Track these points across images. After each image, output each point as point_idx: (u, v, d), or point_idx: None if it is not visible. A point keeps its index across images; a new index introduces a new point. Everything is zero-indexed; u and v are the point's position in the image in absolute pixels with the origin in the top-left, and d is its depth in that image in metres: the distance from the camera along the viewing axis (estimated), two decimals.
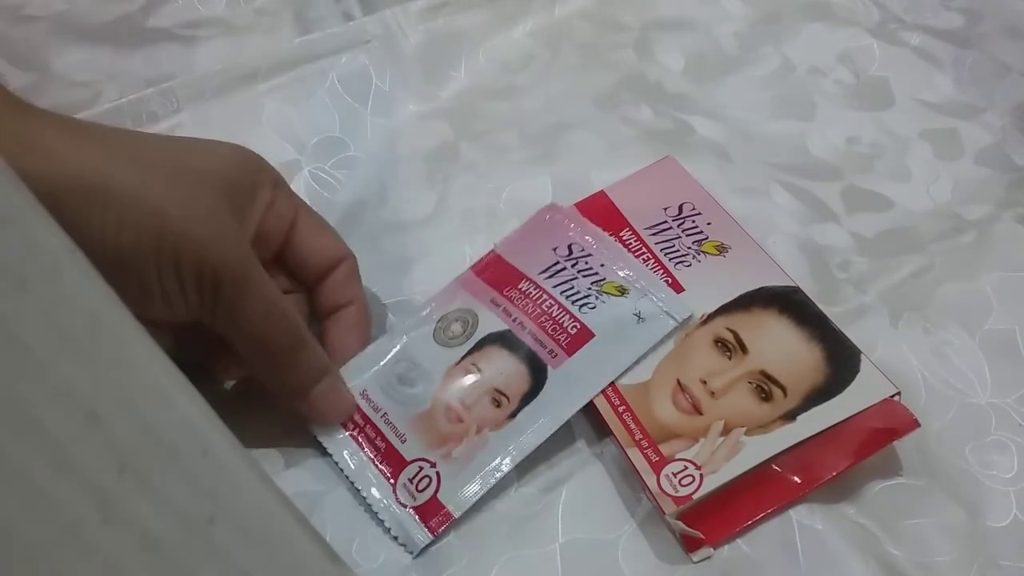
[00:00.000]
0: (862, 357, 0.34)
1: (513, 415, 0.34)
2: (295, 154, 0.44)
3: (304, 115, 0.45)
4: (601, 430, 0.34)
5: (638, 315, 0.35)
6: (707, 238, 0.38)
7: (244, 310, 0.30)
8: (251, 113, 0.45)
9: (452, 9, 0.49)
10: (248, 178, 0.33)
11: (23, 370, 0.15)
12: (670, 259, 0.37)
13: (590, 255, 0.37)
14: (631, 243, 0.38)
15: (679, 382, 0.34)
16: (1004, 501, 0.33)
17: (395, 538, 0.32)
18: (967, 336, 0.37)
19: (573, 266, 0.37)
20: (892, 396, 0.33)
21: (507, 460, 0.33)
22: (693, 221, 0.39)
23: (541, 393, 0.34)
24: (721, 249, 0.38)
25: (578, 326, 0.35)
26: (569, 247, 0.38)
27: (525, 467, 0.34)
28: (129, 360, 0.17)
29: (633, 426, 0.33)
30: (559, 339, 0.35)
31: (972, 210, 0.41)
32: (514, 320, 0.36)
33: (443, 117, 0.45)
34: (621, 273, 0.36)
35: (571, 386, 0.34)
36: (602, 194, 0.40)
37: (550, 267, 0.37)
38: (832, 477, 0.32)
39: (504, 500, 0.33)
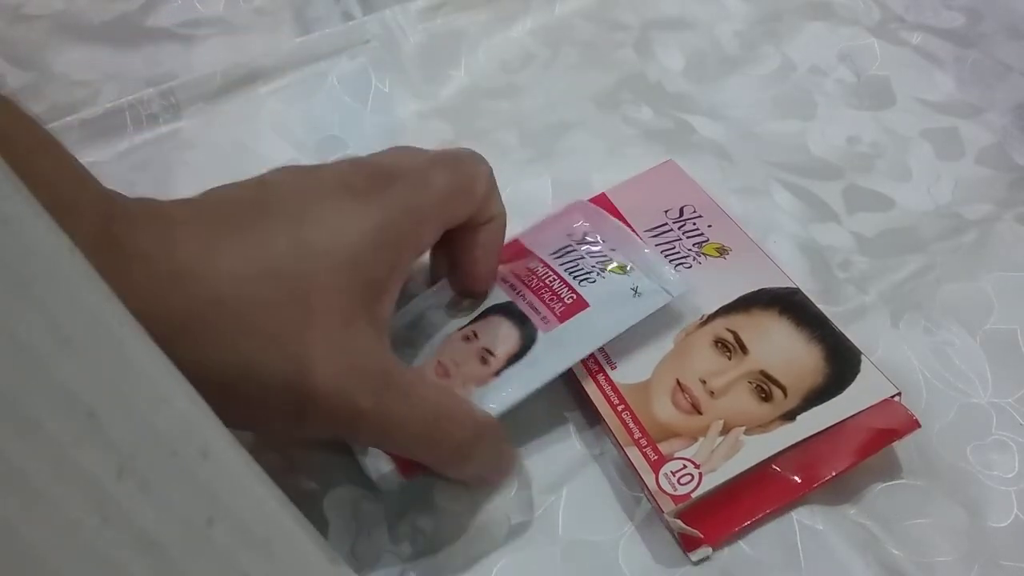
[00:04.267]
0: (862, 357, 0.34)
1: (498, 373, 0.34)
2: (295, 153, 0.43)
3: (304, 115, 0.45)
4: (600, 430, 0.34)
5: (635, 290, 0.35)
6: (708, 240, 0.38)
7: (395, 434, 0.29)
8: (251, 113, 0.45)
9: (452, 8, 0.49)
10: (381, 264, 0.29)
11: (23, 370, 0.14)
12: (670, 261, 0.37)
13: (603, 241, 0.37)
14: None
15: (679, 382, 0.34)
16: (1005, 501, 0.33)
17: (372, 482, 0.32)
18: (968, 336, 0.37)
19: (582, 247, 0.37)
20: (892, 396, 0.33)
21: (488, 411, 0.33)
22: (694, 224, 0.39)
23: (528, 354, 0.34)
24: (721, 251, 0.38)
25: (574, 297, 0.35)
26: (584, 235, 0.38)
27: (525, 467, 0.34)
28: (129, 360, 0.17)
29: (632, 425, 0.33)
30: (553, 307, 0.35)
31: (973, 210, 0.41)
32: (517, 292, 0.36)
33: (443, 117, 0.45)
34: (632, 258, 0.36)
35: (558, 350, 0.34)
36: (603, 196, 0.40)
37: (561, 249, 0.38)
38: (832, 477, 0.32)
39: (504, 500, 0.33)
